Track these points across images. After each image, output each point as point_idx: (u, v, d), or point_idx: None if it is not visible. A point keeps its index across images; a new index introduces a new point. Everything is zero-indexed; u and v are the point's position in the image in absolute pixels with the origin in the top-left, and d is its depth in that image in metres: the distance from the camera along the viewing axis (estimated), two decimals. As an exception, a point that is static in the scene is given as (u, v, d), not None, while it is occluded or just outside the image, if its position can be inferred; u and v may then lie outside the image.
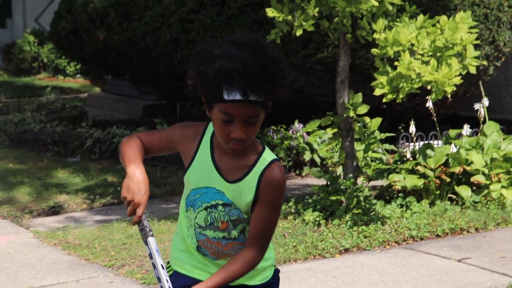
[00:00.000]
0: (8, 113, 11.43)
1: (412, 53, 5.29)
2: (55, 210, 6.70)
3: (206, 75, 2.21)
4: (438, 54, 5.26)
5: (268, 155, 2.37)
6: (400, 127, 7.88)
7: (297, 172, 7.53)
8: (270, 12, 5.30)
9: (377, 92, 5.23)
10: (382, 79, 5.19)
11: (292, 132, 7.55)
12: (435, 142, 7.37)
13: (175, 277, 2.45)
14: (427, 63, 5.18)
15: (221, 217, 2.37)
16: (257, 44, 2.22)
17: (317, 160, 7.41)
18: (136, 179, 2.31)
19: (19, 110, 11.64)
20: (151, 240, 2.29)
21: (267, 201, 2.35)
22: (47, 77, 16.60)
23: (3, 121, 10.23)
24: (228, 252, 2.40)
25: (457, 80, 5.05)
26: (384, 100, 5.26)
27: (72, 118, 10.23)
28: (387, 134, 7.19)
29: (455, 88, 5.11)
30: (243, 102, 2.19)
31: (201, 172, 2.36)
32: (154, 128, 8.70)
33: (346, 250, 5.31)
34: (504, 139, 6.52)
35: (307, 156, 7.39)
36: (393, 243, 5.43)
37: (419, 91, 5.26)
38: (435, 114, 6.47)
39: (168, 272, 2.41)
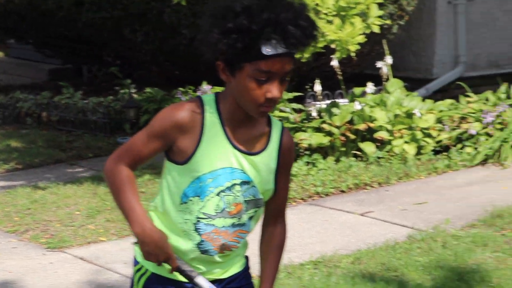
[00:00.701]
0: None
1: (317, 12, 5.33)
2: (-45, 178, 6.50)
3: (244, 30, 1.98)
4: (342, 13, 5.31)
5: (274, 118, 2.21)
6: (307, 87, 7.95)
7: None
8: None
9: (281, 50, 5.25)
10: (286, 37, 5.20)
11: (200, 93, 7.51)
12: (341, 100, 7.47)
13: (152, 280, 2.20)
14: (331, 22, 5.23)
15: (236, 198, 2.15)
16: None
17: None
18: (150, 239, 2.08)
19: None
20: (200, 279, 2.14)
21: (288, 168, 2.22)
22: None
23: None
24: (232, 243, 2.19)
25: (361, 39, 5.13)
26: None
27: (-26, 84, 9.91)
28: (295, 94, 7.24)
29: (358, 47, 5.19)
30: (285, 55, 2.01)
31: (215, 152, 2.11)
32: (59, 92, 8.51)
33: (253, 208, 5.35)
34: (406, 95, 6.66)
35: (215, 116, 7.38)
36: (300, 200, 5.51)
37: (324, 50, 5.31)
38: (341, 73, 6.55)
39: (141, 275, 2.22)
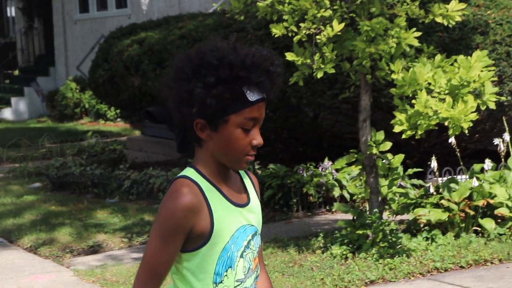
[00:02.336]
0: (51, 158, 11.86)
1: (430, 91, 5.50)
2: (94, 249, 6.99)
3: (231, 80, 2.00)
4: (456, 91, 5.46)
5: None
6: (429, 162, 8.05)
7: (327, 208, 7.73)
8: (290, 56, 5.57)
9: (397, 129, 5.45)
10: (401, 116, 5.40)
11: (322, 169, 7.77)
12: (462, 176, 7.52)
13: None
14: (444, 100, 5.39)
15: (253, 253, 2.15)
16: (250, 46, 2.11)
17: (347, 196, 7.61)
18: None
19: (62, 155, 12.06)
20: None
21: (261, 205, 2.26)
22: (89, 122, 17.11)
23: (45, 165, 10.63)
24: None
25: (473, 116, 5.25)
26: (403, 136, 5.47)
27: (112, 161, 10.58)
28: (415, 170, 7.36)
29: (471, 124, 5.30)
30: (263, 101, 2.07)
31: (226, 217, 2.08)
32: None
33: (372, 282, 5.49)
34: (527, 172, 6.64)
35: (336, 192, 7.59)
36: (418, 275, 5.59)
37: (436, 127, 5.45)
38: (458, 150, 6.63)
39: None
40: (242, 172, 2.21)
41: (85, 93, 17.22)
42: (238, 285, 2.10)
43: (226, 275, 2.07)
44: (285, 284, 5.45)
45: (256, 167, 8.29)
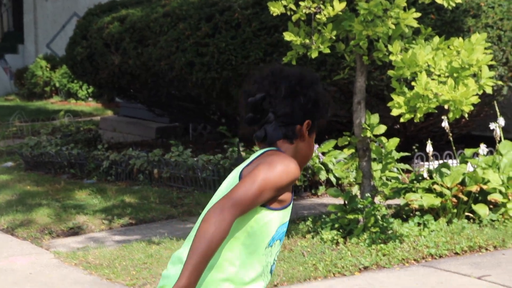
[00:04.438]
0: (23, 137, 11.55)
1: (429, 74, 5.37)
2: (74, 231, 6.76)
3: (324, 93, 2.34)
4: (455, 74, 5.33)
5: None
6: (414, 147, 7.94)
7: (313, 191, 7.58)
8: (288, 36, 5.39)
9: (395, 112, 5.31)
10: (399, 99, 5.26)
11: (307, 152, 7.61)
12: (450, 161, 7.43)
13: None
14: (444, 83, 5.26)
15: (281, 243, 2.37)
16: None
17: (333, 179, 7.47)
18: None
19: (33, 134, 11.75)
20: None
21: None
22: (59, 101, 16.74)
23: (18, 144, 10.34)
24: None
25: (475, 100, 5.13)
26: (401, 120, 5.33)
27: (87, 141, 10.33)
28: (402, 154, 7.25)
29: (472, 108, 5.18)
30: None
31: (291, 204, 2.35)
32: (168, 149, 8.77)
33: (366, 268, 5.35)
34: (519, 158, 6.55)
35: (322, 176, 7.45)
36: (412, 261, 5.47)
37: (436, 111, 5.33)
38: (450, 134, 6.53)
39: None
40: None
41: (55, 71, 16.84)
42: (272, 260, 2.28)
43: (275, 244, 2.25)
44: (276, 269, 5.29)
45: (241, 149, 8.10)
